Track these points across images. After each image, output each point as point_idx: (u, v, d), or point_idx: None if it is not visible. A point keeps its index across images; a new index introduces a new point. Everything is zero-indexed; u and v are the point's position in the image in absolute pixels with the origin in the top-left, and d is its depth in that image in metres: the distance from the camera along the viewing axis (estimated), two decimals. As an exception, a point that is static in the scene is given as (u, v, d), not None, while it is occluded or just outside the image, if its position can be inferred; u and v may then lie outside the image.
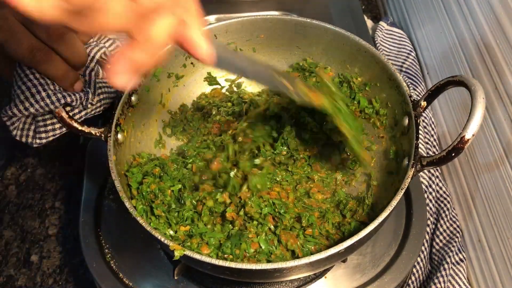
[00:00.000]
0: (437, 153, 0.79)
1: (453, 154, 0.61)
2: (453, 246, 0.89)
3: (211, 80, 0.92)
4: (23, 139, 0.71)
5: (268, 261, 0.69)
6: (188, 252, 0.60)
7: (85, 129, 0.70)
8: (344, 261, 0.79)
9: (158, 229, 0.69)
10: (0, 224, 0.96)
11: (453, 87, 0.66)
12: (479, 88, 0.60)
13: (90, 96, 0.71)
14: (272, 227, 0.72)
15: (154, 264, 0.80)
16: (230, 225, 0.73)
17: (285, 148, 0.80)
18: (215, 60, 0.52)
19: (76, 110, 0.72)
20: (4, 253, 0.92)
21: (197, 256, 0.59)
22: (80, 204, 0.85)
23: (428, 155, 0.66)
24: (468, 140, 0.59)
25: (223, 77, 0.93)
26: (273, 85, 0.66)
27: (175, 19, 0.43)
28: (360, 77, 0.84)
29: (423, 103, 0.70)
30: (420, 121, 0.71)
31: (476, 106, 0.59)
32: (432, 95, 0.69)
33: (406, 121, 0.73)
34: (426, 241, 0.91)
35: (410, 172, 0.64)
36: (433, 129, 1.03)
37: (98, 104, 0.74)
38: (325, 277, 0.79)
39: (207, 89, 0.93)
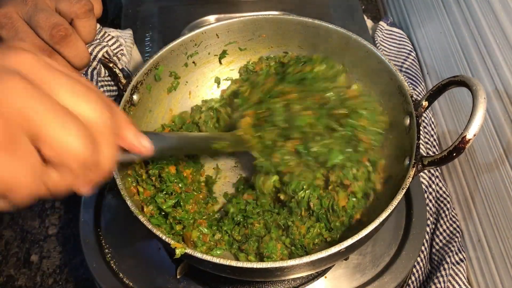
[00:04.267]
0: (437, 153, 0.79)
1: (454, 154, 0.61)
2: (453, 246, 0.89)
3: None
4: None
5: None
6: (189, 251, 0.60)
7: (86, 128, 0.70)
8: (346, 259, 0.80)
9: (160, 225, 0.69)
10: (0, 224, 0.95)
11: (454, 87, 0.66)
12: (480, 88, 0.60)
13: None
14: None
15: (154, 264, 0.80)
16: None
17: None
18: (153, 150, 0.50)
19: (77, 110, 0.71)
20: (4, 253, 0.92)
21: (198, 254, 0.59)
22: (80, 204, 0.85)
23: (429, 155, 0.66)
24: (469, 140, 0.59)
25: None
26: (210, 152, 0.68)
27: (115, 145, 0.42)
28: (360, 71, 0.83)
29: (425, 103, 0.70)
30: (421, 121, 0.71)
31: (477, 106, 0.59)
32: (433, 95, 0.69)
33: (407, 121, 0.73)
34: (426, 241, 0.91)
35: (411, 172, 0.64)
36: (433, 129, 1.03)
37: None
38: (325, 277, 0.79)
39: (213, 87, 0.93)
